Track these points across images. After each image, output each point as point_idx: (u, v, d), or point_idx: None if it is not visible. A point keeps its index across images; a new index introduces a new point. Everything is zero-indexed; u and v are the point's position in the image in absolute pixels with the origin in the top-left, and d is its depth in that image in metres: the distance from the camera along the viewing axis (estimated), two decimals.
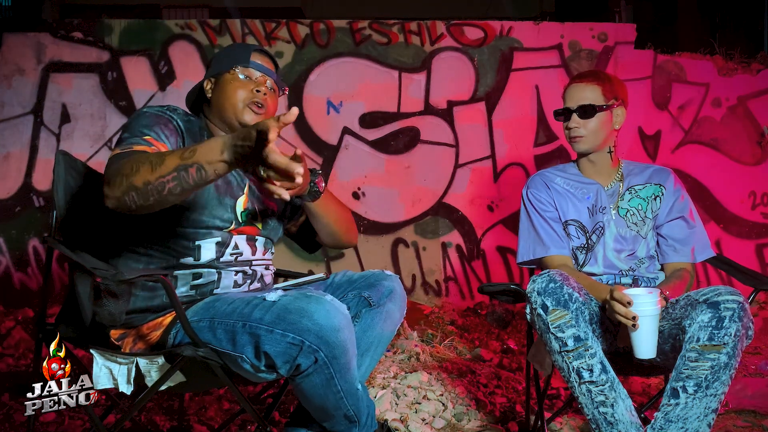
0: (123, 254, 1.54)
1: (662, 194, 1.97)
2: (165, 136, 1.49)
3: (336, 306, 1.36)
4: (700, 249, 1.95)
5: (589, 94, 1.92)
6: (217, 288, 1.56)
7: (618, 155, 2.03)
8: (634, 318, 1.58)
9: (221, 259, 1.56)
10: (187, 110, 1.73)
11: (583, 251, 1.95)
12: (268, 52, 1.70)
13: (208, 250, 1.54)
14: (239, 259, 1.60)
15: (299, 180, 1.18)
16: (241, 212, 1.61)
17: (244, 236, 1.62)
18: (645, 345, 1.60)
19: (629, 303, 1.59)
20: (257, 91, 1.61)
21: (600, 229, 1.95)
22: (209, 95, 1.66)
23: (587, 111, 1.92)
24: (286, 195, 1.24)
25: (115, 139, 3.94)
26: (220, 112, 1.63)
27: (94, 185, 1.64)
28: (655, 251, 1.97)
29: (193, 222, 1.52)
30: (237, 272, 1.59)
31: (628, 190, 1.98)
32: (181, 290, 1.52)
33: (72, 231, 1.63)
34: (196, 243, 1.53)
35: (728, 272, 1.96)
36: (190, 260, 1.53)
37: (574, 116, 1.93)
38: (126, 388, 1.42)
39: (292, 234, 1.87)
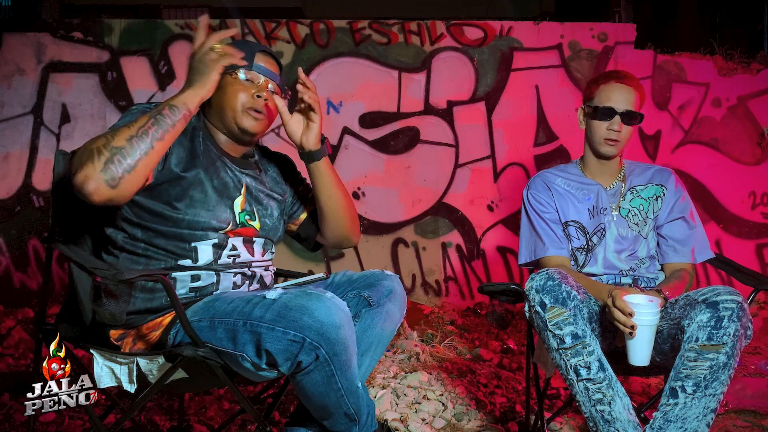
0: (121, 256, 1.54)
1: (663, 195, 1.97)
2: None
3: (336, 303, 1.37)
4: (700, 250, 1.95)
5: (634, 98, 1.88)
6: (216, 290, 1.55)
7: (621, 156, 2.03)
8: (632, 327, 1.59)
9: (219, 261, 1.56)
10: None
11: (583, 252, 1.95)
12: (273, 53, 1.67)
13: (205, 252, 1.53)
14: (237, 260, 1.59)
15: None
16: (239, 213, 1.60)
17: (241, 238, 1.61)
18: (640, 352, 1.61)
19: (630, 314, 1.59)
20: (258, 96, 1.59)
21: (601, 230, 1.94)
22: None
23: (632, 117, 1.88)
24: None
25: None
26: (220, 114, 1.60)
27: None
28: (655, 251, 1.97)
29: (189, 223, 1.51)
30: (236, 274, 1.58)
31: (629, 190, 1.98)
32: (181, 292, 1.52)
33: (72, 231, 1.63)
34: (193, 245, 1.52)
35: (728, 272, 1.96)
36: (188, 262, 1.52)
37: (618, 119, 1.87)
38: (129, 387, 1.43)
39: (293, 233, 1.87)
